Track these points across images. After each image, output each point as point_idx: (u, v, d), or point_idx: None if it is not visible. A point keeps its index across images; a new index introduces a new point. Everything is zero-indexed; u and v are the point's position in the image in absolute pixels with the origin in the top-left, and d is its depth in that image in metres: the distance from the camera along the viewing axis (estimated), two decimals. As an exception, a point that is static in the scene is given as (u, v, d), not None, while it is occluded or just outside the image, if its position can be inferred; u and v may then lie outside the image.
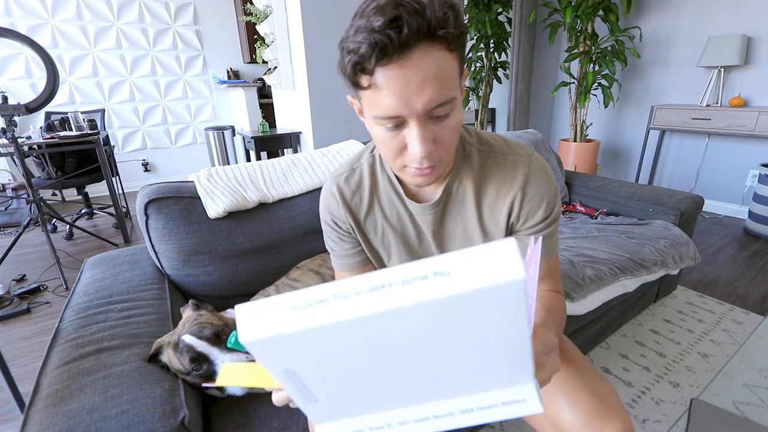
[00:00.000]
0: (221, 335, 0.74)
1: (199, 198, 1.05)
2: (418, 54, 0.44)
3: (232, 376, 0.45)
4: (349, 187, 0.67)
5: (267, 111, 4.03)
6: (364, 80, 0.47)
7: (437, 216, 0.65)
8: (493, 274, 0.18)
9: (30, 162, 2.84)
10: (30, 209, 2.72)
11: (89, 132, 2.48)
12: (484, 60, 3.44)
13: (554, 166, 1.88)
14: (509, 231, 0.66)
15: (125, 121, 3.87)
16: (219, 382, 0.44)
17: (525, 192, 0.61)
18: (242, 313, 0.24)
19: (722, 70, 2.51)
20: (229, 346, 0.44)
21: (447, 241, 0.67)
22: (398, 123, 0.49)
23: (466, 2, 3.24)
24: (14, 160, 2.21)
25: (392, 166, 0.56)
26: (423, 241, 0.69)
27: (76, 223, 2.85)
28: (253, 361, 0.72)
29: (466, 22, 3.05)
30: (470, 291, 0.18)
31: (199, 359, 0.70)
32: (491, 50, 3.38)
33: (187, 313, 0.80)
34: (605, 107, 2.91)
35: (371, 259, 0.72)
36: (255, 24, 2.70)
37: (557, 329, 0.59)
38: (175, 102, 4.05)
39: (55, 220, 2.75)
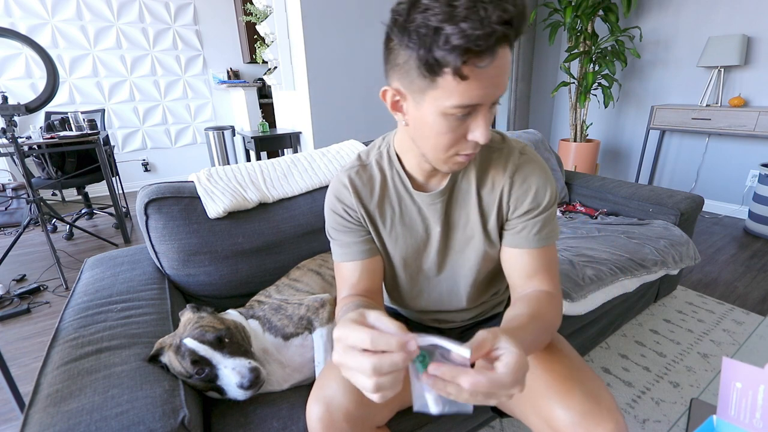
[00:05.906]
0: (223, 339, 0.74)
1: (199, 198, 1.05)
2: (502, 51, 0.47)
3: None
4: (360, 180, 0.70)
5: (267, 111, 4.03)
6: (449, 69, 0.45)
7: (444, 205, 0.69)
8: None
9: (30, 162, 2.84)
10: (30, 209, 2.72)
11: (89, 132, 2.48)
12: (484, 60, 3.44)
13: (554, 166, 1.89)
14: (502, 220, 0.68)
15: (125, 121, 3.87)
16: None
17: (513, 181, 0.66)
18: None
19: (722, 70, 2.51)
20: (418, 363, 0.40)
21: (453, 229, 0.71)
22: (470, 111, 0.51)
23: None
24: (14, 160, 2.21)
25: (439, 157, 0.57)
26: (429, 235, 0.72)
27: (76, 223, 2.85)
28: (257, 367, 0.72)
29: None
30: None
31: (201, 363, 0.70)
32: (491, 50, 3.37)
33: (187, 315, 0.80)
34: (605, 107, 2.91)
35: (379, 249, 0.73)
36: (255, 24, 2.70)
37: (539, 335, 0.56)
38: (175, 102, 4.05)
39: (55, 220, 2.76)
